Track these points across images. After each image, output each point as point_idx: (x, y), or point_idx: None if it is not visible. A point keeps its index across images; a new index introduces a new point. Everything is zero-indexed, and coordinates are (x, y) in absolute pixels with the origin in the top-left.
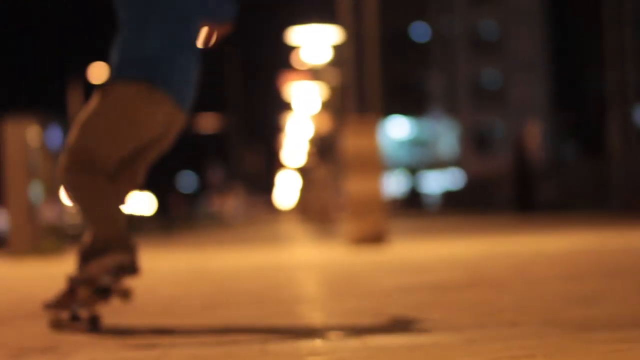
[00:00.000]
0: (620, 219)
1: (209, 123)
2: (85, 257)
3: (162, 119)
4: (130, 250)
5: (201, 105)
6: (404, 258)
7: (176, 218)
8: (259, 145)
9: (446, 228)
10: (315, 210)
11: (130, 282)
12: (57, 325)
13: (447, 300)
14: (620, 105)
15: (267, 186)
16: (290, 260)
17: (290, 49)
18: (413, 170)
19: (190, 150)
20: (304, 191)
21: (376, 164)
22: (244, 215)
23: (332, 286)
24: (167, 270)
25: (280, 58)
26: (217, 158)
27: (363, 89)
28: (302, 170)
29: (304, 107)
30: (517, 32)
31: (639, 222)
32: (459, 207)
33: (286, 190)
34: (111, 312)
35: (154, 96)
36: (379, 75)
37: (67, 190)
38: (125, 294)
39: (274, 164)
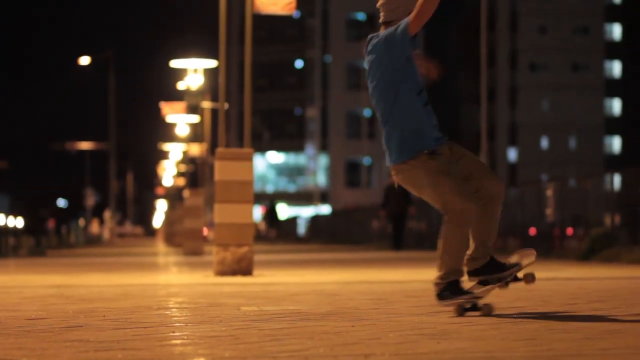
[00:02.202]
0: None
1: (85, 147)
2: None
3: None
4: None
5: (78, 130)
6: (267, 287)
7: (49, 239)
8: (137, 171)
9: (312, 259)
10: (184, 238)
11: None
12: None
13: (305, 330)
14: (489, 143)
15: (143, 212)
16: (155, 286)
17: (171, 78)
18: (282, 200)
19: (66, 174)
20: (174, 219)
21: (246, 196)
22: (117, 240)
23: (194, 312)
24: (33, 291)
25: (161, 87)
26: (92, 182)
27: (237, 120)
28: (174, 198)
29: (181, 135)
30: None
31: None
32: (326, 237)
33: (162, 217)
34: None
35: None
36: (251, 108)
37: None
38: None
39: (151, 191)
